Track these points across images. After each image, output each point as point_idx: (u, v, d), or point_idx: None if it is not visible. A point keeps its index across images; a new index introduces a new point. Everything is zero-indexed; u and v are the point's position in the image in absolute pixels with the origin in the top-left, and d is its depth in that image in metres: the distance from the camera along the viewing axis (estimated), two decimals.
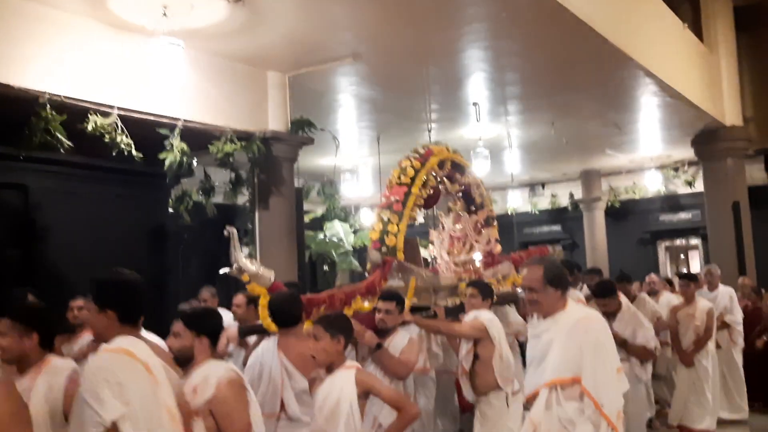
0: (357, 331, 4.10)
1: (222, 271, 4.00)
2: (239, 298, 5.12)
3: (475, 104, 9.05)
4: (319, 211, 12.72)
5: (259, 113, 7.08)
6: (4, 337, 2.92)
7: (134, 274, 2.79)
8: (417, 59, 7.25)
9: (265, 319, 3.98)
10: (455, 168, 6.07)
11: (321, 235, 12.92)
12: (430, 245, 6.56)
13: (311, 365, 3.53)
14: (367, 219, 13.41)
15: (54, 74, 5.25)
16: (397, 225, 5.22)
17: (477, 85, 8.44)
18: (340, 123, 9.75)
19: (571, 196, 15.87)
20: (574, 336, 3.26)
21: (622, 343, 5.21)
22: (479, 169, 10.44)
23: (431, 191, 5.81)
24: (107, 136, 5.46)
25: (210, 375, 2.95)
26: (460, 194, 6.39)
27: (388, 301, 4.50)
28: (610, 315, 5.25)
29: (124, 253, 6.66)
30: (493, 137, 10.65)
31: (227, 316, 6.05)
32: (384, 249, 5.14)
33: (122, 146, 5.56)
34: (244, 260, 3.99)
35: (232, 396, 2.92)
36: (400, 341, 4.44)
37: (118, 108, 5.60)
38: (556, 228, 16.60)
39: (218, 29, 5.93)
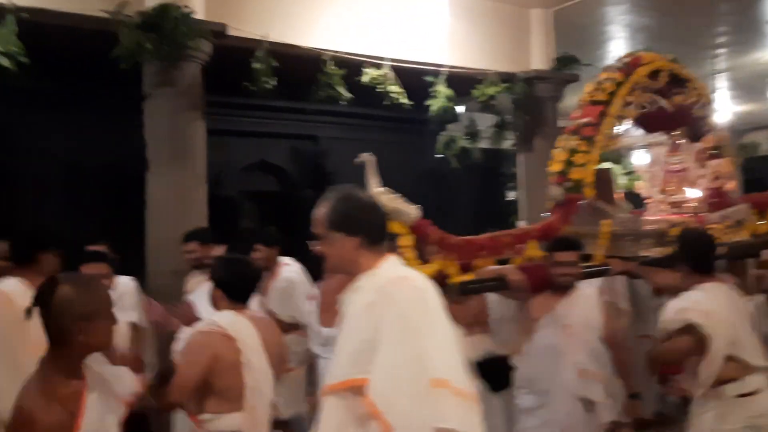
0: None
1: None
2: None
3: None
4: None
5: (522, 53, 7.00)
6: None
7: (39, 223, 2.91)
8: None
9: (411, 261, 3.47)
10: (673, 81, 4.72)
11: None
12: (639, 182, 5.48)
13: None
14: (641, 160, 12.56)
15: (333, 33, 5.82)
16: (587, 154, 4.18)
17: None
18: (610, 57, 9.15)
19: None
20: (373, 310, 2.00)
21: None
22: None
23: (644, 108, 4.54)
24: (380, 86, 5.90)
25: (195, 328, 2.97)
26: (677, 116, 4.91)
27: (571, 251, 3.64)
28: None
29: (399, 193, 7.20)
30: None
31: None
32: (568, 184, 4.19)
33: (393, 95, 5.95)
34: (380, 194, 3.39)
35: (193, 348, 2.85)
36: (584, 304, 3.66)
37: (389, 59, 5.99)
38: None
39: None
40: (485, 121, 7.60)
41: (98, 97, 5.88)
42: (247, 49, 5.37)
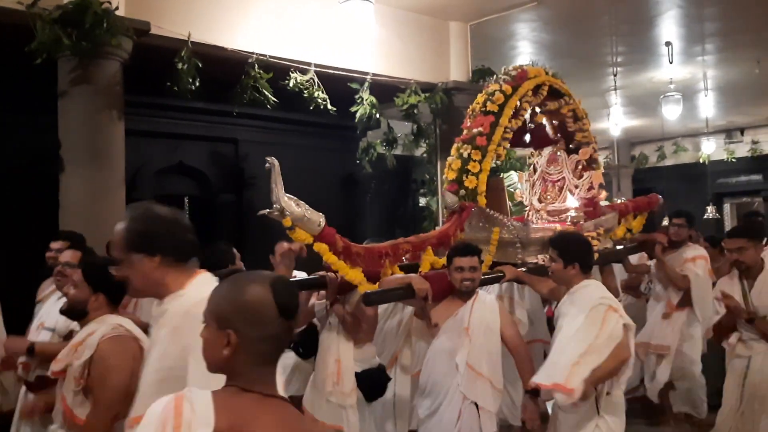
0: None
1: (261, 212, 3.32)
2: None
3: (667, 44, 8.45)
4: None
5: (442, 64, 7.22)
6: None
7: None
8: None
9: (336, 263, 3.42)
10: (553, 95, 4.92)
11: None
12: (518, 190, 5.51)
13: None
14: None
15: (260, 36, 5.77)
16: (480, 163, 4.25)
17: (671, 23, 7.88)
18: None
19: None
20: (178, 336, 1.87)
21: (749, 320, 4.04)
22: (670, 113, 9.82)
23: (530, 124, 4.70)
24: (306, 91, 5.92)
25: (96, 331, 2.60)
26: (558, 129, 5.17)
27: (471, 257, 3.67)
28: (747, 272, 4.13)
29: (320, 199, 7.20)
30: (686, 79, 9.90)
31: None
32: (462, 192, 4.26)
33: (318, 101, 5.99)
34: (287, 200, 3.20)
35: (113, 354, 2.52)
36: (483, 308, 3.72)
37: (315, 65, 6.02)
38: (757, 178, 15.08)
39: None
40: (402, 129, 7.78)
41: (9, 93, 5.52)
42: (169, 48, 5.24)
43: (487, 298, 3.85)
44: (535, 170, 5.21)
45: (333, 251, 3.44)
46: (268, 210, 3.19)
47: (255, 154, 7.10)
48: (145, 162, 6.45)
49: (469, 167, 4.24)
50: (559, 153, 5.13)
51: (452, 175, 4.32)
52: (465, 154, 4.29)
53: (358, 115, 6.41)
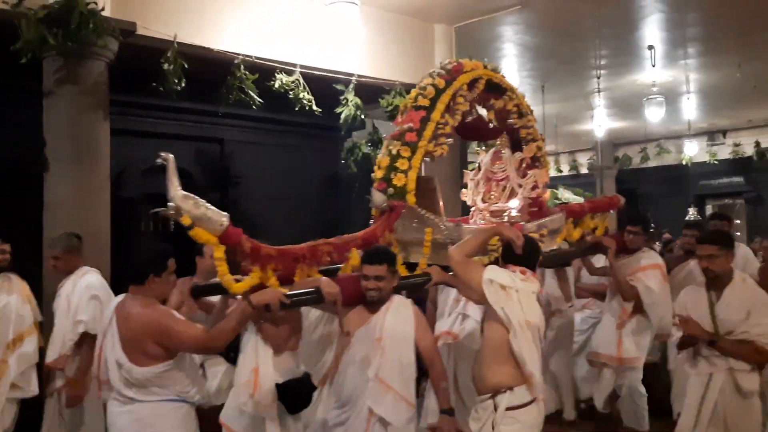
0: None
1: (154, 210, 3.20)
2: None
3: (650, 47, 8.57)
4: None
5: (426, 66, 7.20)
6: None
7: None
8: (588, 1, 7.00)
9: (224, 275, 3.11)
10: (492, 90, 4.59)
11: None
12: (464, 189, 5.19)
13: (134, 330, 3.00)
14: None
15: (246, 37, 5.81)
16: (409, 160, 3.96)
17: (653, 27, 8.00)
18: (503, 73, 9.68)
19: (758, 144, 14.54)
20: None
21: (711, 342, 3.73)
22: (653, 116, 9.97)
23: (461, 118, 4.36)
24: (291, 92, 5.97)
25: None
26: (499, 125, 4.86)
27: (378, 265, 3.40)
28: (715, 282, 3.80)
29: (304, 198, 7.32)
30: (668, 82, 10.05)
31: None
32: (390, 190, 3.95)
33: (304, 101, 6.03)
34: (182, 198, 2.92)
35: None
36: (397, 317, 3.46)
37: (301, 66, 6.07)
38: (738, 180, 15.32)
39: None
40: (387, 129, 7.83)
41: None
42: (155, 49, 5.26)
43: (403, 304, 3.54)
44: (479, 169, 4.95)
45: (240, 252, 3.18)
46: (162, 209, 2.95)
47: (240, 153, 7.15)
48: (131, 161, 6.46)
49: (397, 164, 3.96)
50: (503, 150, 4.87)
51: (381, 174, 4.01)
52: (394, 151, 3.99)
53: (343, 115, 6.46)
